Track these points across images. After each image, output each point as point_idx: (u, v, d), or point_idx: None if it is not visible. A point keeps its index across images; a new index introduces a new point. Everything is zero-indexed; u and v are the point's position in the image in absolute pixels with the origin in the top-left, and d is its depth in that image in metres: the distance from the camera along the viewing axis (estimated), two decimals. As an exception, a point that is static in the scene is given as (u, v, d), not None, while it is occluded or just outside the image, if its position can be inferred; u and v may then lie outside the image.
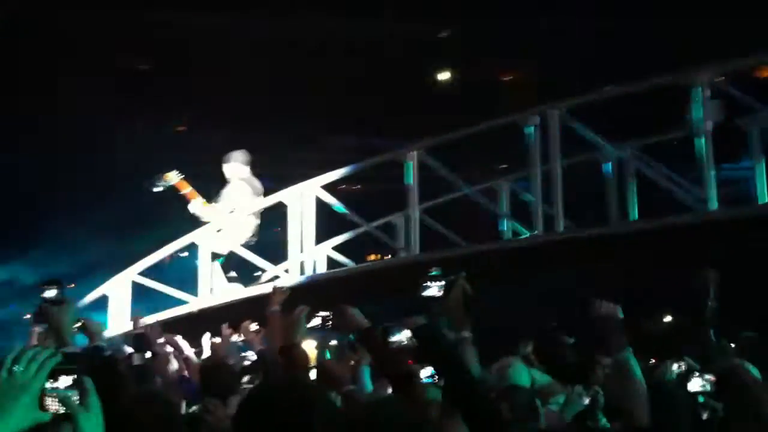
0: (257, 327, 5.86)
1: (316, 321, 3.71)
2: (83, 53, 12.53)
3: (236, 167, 9.28)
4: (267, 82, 14.02)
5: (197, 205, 9.18)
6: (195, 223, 9.28)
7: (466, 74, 14.70)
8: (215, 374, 4.60)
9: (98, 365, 3.63)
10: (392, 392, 3.75)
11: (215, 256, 9.17)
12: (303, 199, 8.85)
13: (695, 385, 2.87)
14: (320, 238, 9.14)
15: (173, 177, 9.17)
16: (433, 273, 3.06)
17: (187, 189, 9.19)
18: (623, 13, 11.49)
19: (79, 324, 4.24)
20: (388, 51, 13.42)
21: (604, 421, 4.10)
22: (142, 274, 9.69)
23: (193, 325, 7.75)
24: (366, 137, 13.64)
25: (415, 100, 13.98)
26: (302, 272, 8.88)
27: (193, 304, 9.24)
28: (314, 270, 9.01)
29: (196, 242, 9.23)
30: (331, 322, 3.70)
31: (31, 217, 14.60)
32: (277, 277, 8.93)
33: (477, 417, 2.81)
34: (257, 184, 9.31)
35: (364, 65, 13.60)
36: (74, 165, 13.86)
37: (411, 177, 8.42)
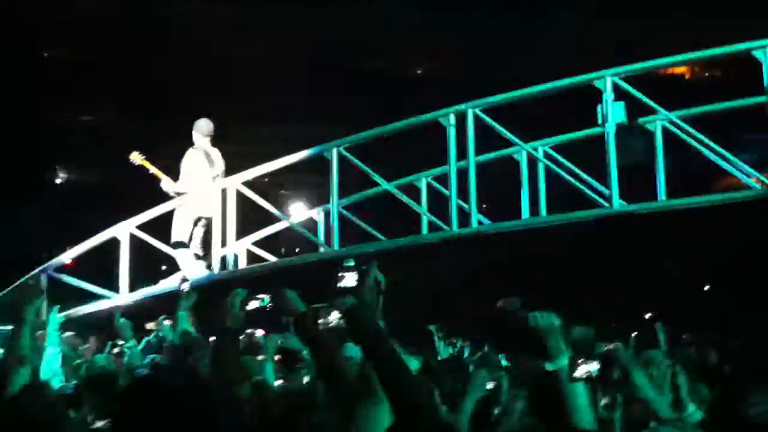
0: (170, 321, 5.96)
1: (254, 304, 3.81)
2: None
3: (196, 137, 9.18)
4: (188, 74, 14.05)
5: (166, 184, 9.10)
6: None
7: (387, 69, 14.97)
8: None
9: None
10: (317, 379, 3.91)
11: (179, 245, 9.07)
12: (224, 194, 8.93)
13: (581, 371, 3.07)
14: (241, 233, 9.24)
15: (135, 158, 9.12)
16: (347, 264, 3.22)
17: (151, 169, 9.12)
18: (536, 14, 11.91)
19: None
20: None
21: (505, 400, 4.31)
22: (60, 270, 9.62)
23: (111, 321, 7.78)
24: (288, 130, 13.78)
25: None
26: (224, 267, 8.97)
27: (114, 300, 9.24)
28: (236, 265, 9.11)
29: (117, 236, 9.22)
30: (270, 307, 3.80)
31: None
32: (185, 280, 8.95)
33: (404, 396, 2.92)
34: (216, 156, 9.18)
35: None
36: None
37: (332, 174, 8.60)
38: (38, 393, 3.19)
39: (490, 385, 4.17)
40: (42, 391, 3.31)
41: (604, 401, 4.39)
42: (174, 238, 9.15)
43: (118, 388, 4.35)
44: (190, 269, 9.02)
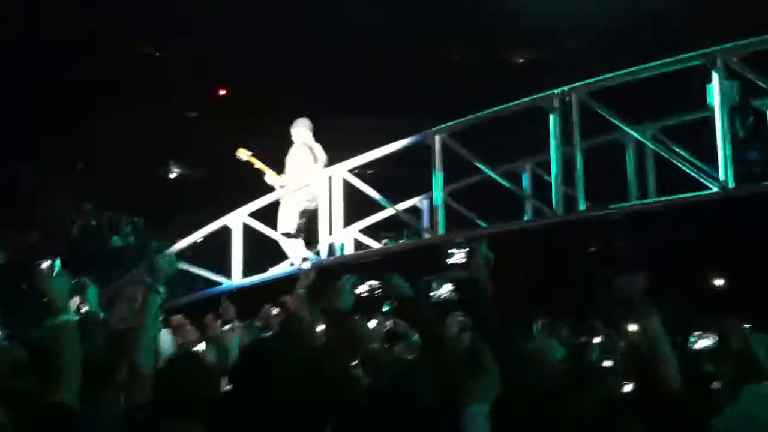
0: (278, 310, 6.01)
1: (363, 288, 3.90)
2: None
3: (300, 132, 9.56)
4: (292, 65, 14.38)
5: (270, 177, 9.55)
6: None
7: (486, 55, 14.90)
8: None
9: None
10: (422, 355, 3.98)
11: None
12: (331, 182, 9.12)
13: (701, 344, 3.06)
14: (347, 220, 9.41)
15: (242, 154, 9.67)
16: (457, 241, 3.30)
17: (257, 164, 9.60)
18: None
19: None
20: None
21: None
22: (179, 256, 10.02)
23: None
24: (391, 118, 13.89)
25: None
26: (331, 254, 9.16)
27: (226, 286, 9.56)
28: (342, 252, 9.28)
29: (228, 225, 9.54)
30: (378, 291, 3.90)
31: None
32: (305, 260, 9.21)
33: (513, 368, 3.00)
34: (319, 151, 9.54)
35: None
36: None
37: (435, 160, 8.66)
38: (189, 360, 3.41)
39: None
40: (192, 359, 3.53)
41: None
42: (280, 229, 9.46)
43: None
44: (299, 257, 9.29)
